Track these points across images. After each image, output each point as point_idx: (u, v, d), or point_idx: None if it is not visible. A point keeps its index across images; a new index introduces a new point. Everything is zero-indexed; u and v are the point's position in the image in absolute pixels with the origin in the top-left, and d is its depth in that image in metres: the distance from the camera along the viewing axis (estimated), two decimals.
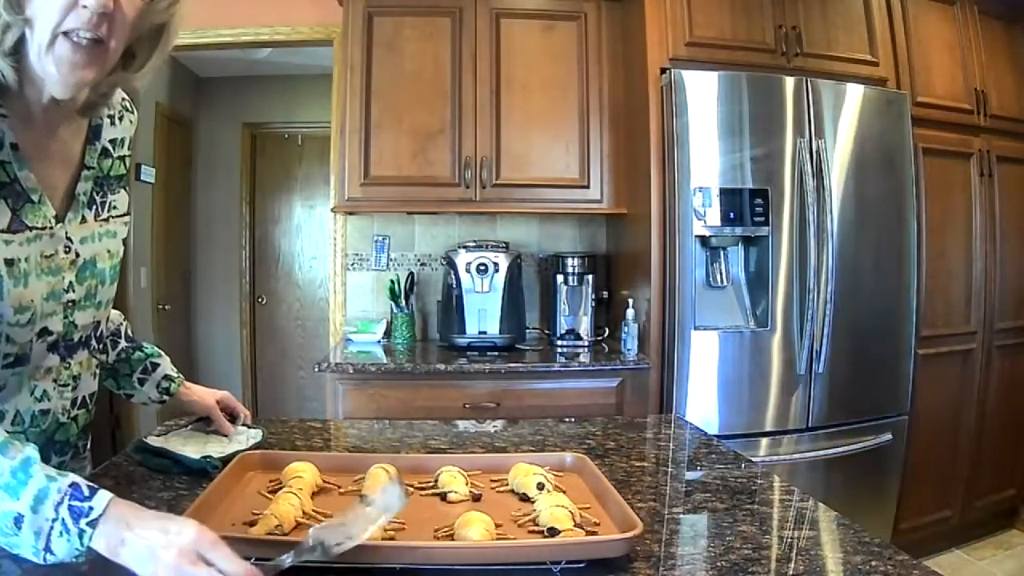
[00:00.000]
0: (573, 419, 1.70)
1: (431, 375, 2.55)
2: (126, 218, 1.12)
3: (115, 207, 1.09)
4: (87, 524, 0.74)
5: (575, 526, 0.92)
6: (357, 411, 2.48)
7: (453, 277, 2.86)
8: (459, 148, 2.85)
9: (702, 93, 2.51)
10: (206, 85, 4.99)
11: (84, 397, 1.08)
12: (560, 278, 2.97)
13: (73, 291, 0.99)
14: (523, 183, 2.88)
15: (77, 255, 1.00)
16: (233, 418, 1.39)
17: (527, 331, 3.04)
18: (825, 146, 2.58)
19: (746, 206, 2.52)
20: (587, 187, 2.92)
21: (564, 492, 1.03)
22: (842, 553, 0.95)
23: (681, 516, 1.09)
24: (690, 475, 1.34)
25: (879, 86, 2.79)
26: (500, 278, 2.85)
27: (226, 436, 1.34)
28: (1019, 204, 3.15)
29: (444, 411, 2.44)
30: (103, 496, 0.76)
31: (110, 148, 1.07)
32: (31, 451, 0.79)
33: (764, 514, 1.10)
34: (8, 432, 0.85)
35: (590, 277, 2.97)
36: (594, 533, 0.93)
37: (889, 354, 2.75)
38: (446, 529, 0.92)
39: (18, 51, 0.84)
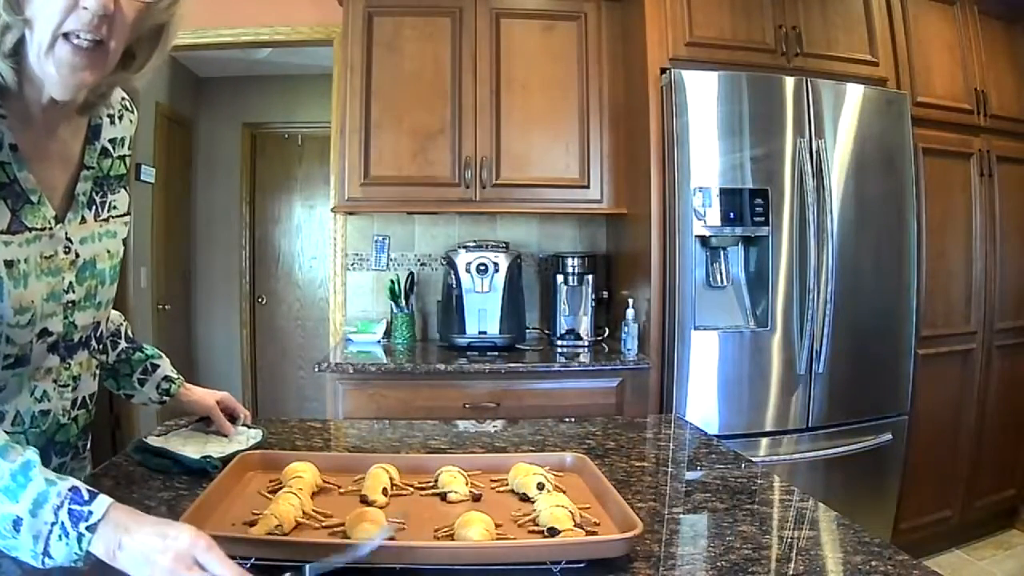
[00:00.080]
0: (573, 419, 1.70)
1: (431, 375, 2.55)
2: (126, 218, 1.12)
3: (115, 207, 1.08)
4: (86, 528, 0.74)
5: (575, 526, 0.92)
6: (357, 411, 2.48)
7: (453, 277, 2.86)
8: (459, 148, 2.85)
9: (702, 93, 2.51)
10: (206, 85, 4.99)
11: (84, 398, 1.08)
12: (560, 278, 2.97)
13: (73, 292, 0.99)
14: (523, 183, 2.88)
15: (77, 255, 1.00)
16: (233, 419, 1.39)
17: (527, 331, 3.04)
18: (825, 146, 2.58)
19: (746, 206, 2.52)
20: (587, 187, 2.92)
21: (564, 492, 1.03)
22: (842, 553, 0.95)
23: (681, 516, 1.09)
24: (690, 475, 1.34)
25: (879, 86, 2.79)
26: (500, 278, 2.84)
27: (226, 436, 1.34)
28: (1019, 204, 3.15)
29: (444, 411, 2.43)
30: (103, 501, 0.76)
31: (110, 148, 1.07)
32: (31, 454, 0.78)
33: (764, 514, 1.10)
34: (8, 433, 0.85)
35: (590, 277, 2.97)
36: (594, 533, 0.93)
37: (889, 354, 2.75)
38: (446, 529, 0.92)
39: (18, 52, 0.84)
